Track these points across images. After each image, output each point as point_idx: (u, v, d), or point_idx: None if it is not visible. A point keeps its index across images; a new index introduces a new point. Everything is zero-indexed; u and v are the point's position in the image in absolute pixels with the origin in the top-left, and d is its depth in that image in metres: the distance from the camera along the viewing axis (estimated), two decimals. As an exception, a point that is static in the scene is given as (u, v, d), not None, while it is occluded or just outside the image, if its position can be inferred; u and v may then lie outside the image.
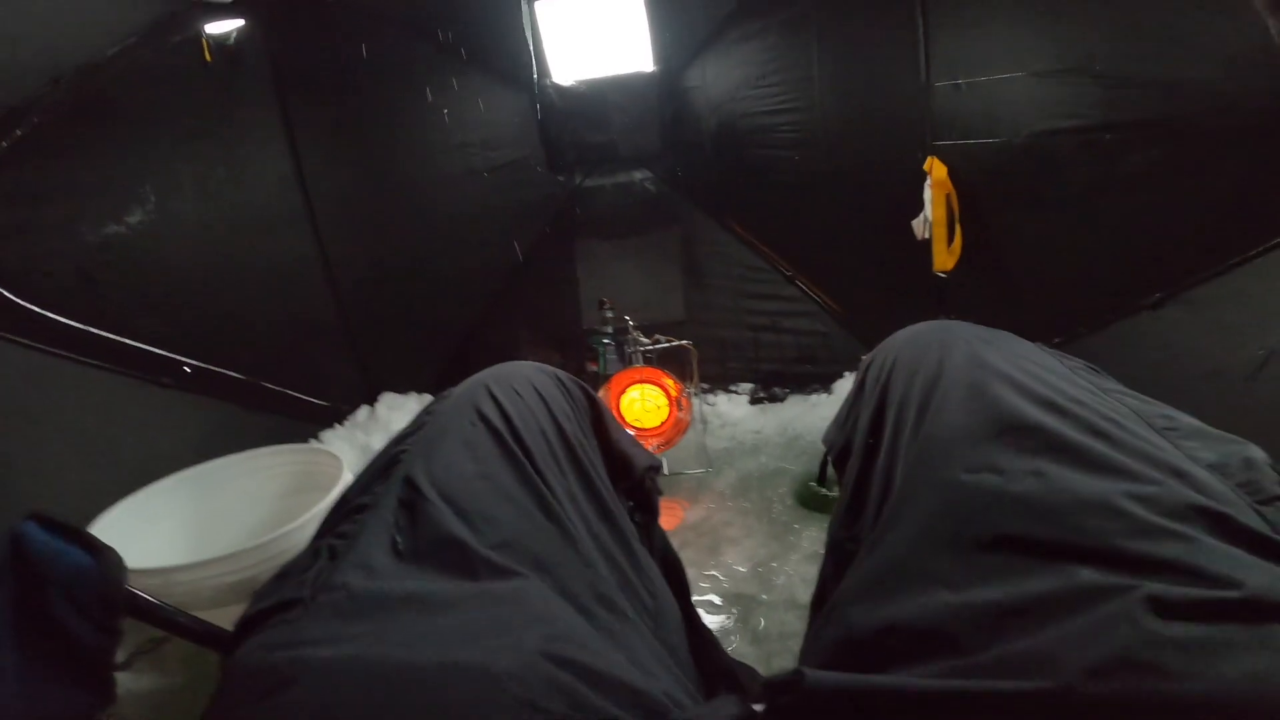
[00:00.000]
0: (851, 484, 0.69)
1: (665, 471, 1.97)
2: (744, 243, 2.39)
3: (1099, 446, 0.52)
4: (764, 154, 2.27)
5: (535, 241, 2.49)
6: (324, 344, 2.26)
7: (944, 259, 1.96)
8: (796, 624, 1.37)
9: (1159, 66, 1.59)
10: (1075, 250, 1.84)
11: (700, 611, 1.44)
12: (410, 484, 0.61)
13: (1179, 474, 0.49)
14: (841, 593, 0.57)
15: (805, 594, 1.44)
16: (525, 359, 0.88)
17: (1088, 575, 0.42)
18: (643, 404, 1.99)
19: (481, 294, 2.54)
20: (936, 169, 1.89)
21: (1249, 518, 0.44)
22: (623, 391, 2.00)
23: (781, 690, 0.43)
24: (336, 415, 2.23)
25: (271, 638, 0.48)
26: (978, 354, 0.65)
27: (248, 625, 0.51)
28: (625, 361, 2.10)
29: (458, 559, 0.55)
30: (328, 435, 2.13)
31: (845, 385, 2.26)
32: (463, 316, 2.52)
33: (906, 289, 2.11)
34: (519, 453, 0.67)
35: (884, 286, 2.21)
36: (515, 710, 0.42)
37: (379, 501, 0.61)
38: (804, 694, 0.42)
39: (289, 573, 0.55)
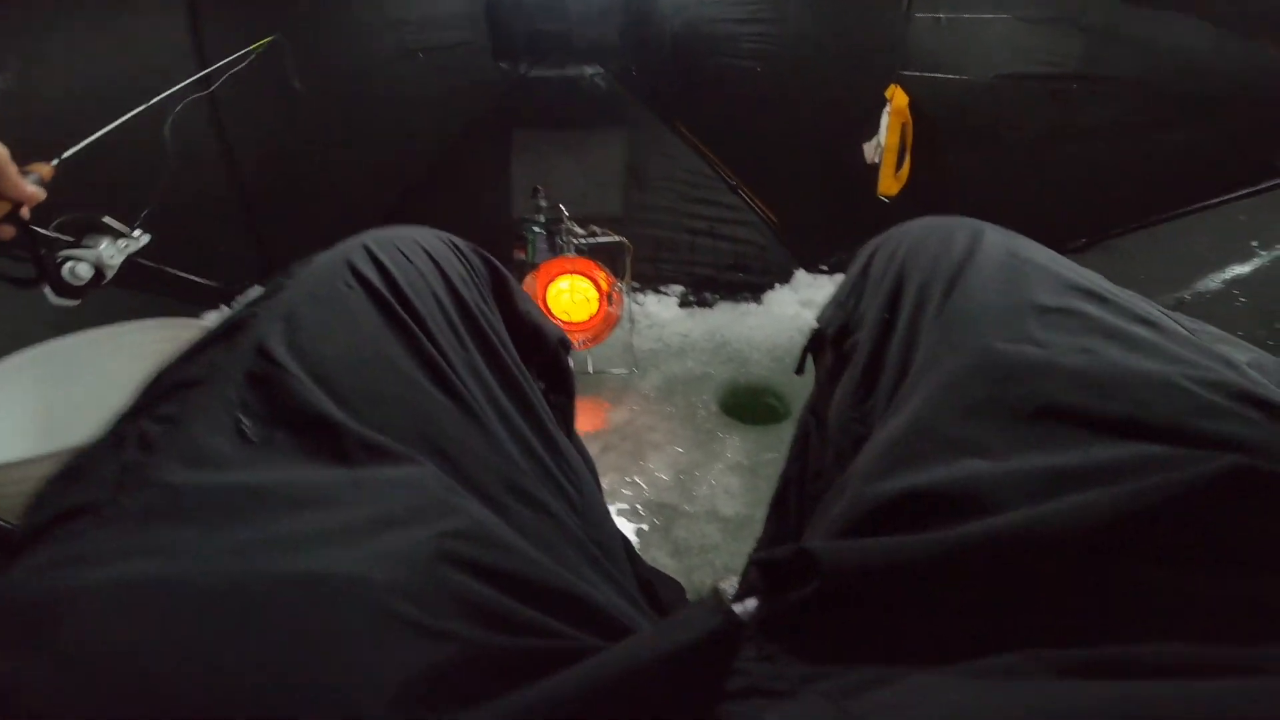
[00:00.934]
0: (864, 360, 0.61)
1: (590, 370, 1.90)
2: (690, 148, 2.29)
3: (1147, 334, 0.46)
4: (725, 62, 2.17)
5: (469, 128, 2.31)
6: (217, 222, 2.06)
7: (889, 184, 1.99)
8: (717, 536, 1.35)
9: (1148, 26, 1.65)
10: (1017, 192, 1.95)
11: (621, 520, 1.43)
12: (264, 354, 0.46)
13: (1230, 364, 0.44)
14: (852, 471, 0.49)
15: (728, 506, 1.42)
16: None
17: (1159, 449, 0.36)
18: (572, 296, 1.89)
19: (405, 178, 2.34)
20: (898, 97, 1.90)
21: None
22: (551, 280, 1.89)
23: (787, 575, 0.34)
24: (226, 296, 2.06)
25: (46, 556, 0.34)
26: (1009, 244, 0.59)
27: (27, 543, 0.36)
28: (556, 252, 1.98)
29: (327, 443, 0.42)
30: (214, 317, 1.94)
31: (776, 296, 2.24)
32: (380, 200, 2.32)
33: (847, 210, 2.15)
34: (407, 319, 0.54)
35: (825, 205, 2.23)
36: (407, 639, 0.31)
37: (216, 375, 0.45)
38: (827, 577, 0.33)
39: (79, 470, 0.41)
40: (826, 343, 0.72)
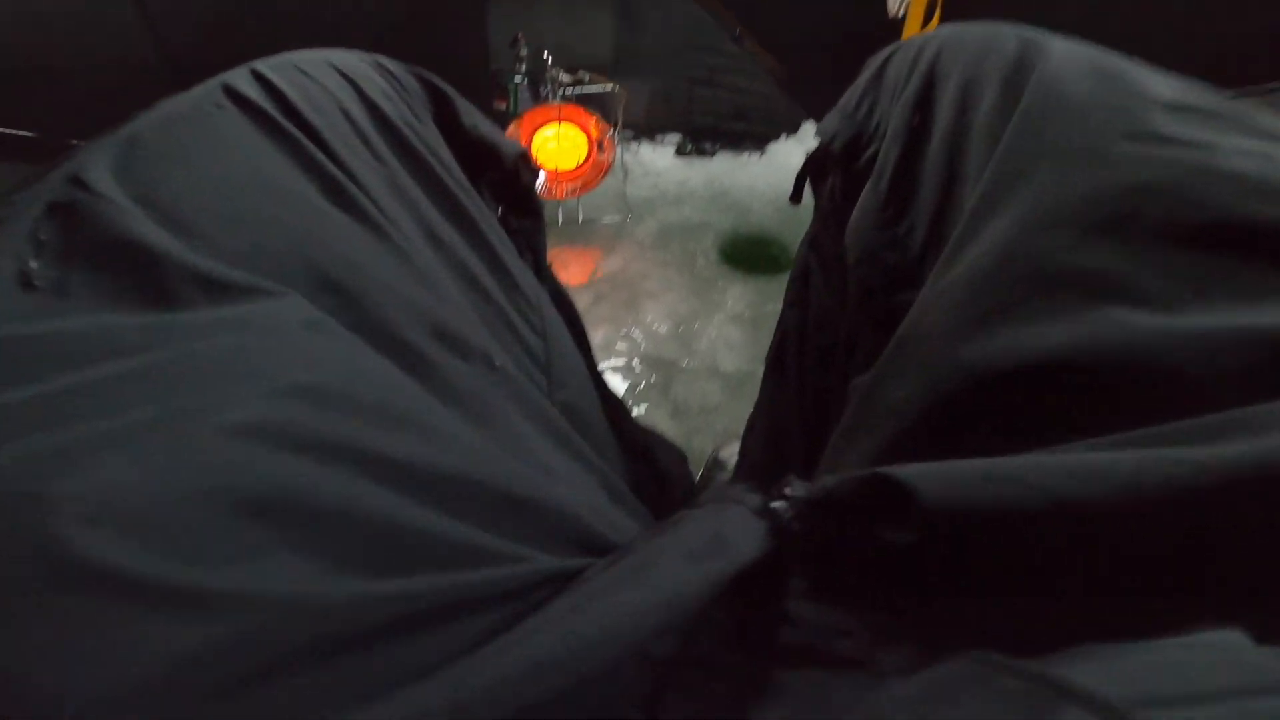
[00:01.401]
0: (889, 175, 0.47)
1: (580, 219, 1.77)
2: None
3: None
4: None
5: None
6: (147, 96, 1.85)
7: None
8: (719, 396, 1.26)
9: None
10: None
11: (616, 379, 1.30)
12: (76, 182, 0.35)
13: None
14: (912, 328, 0.36)
15: (729, 361, 1.32)
16: None
17: None
18: (559, 144, 1.74)
19: (366, 34, 2.13)
20: None
21: None
22: (536, 129, 1.75)
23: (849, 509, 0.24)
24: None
25: None
26: (1080, 47, 0.42)
27: None
28: (541, 101, 1.83)
29: (143, 280, 0.31)
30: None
31: (781, 148, 2.10)
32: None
33: (861, 62, 1.91)
34: (298, 133, 0.41)
35: (839, 58, 1.98)
36: (161, 598, 0.19)
37: (14, 214, 0.35)
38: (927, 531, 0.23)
39: None
40: (831, 161, 0.57)
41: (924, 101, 0.47)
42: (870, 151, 0.52)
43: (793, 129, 2.15)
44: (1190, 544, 0.21)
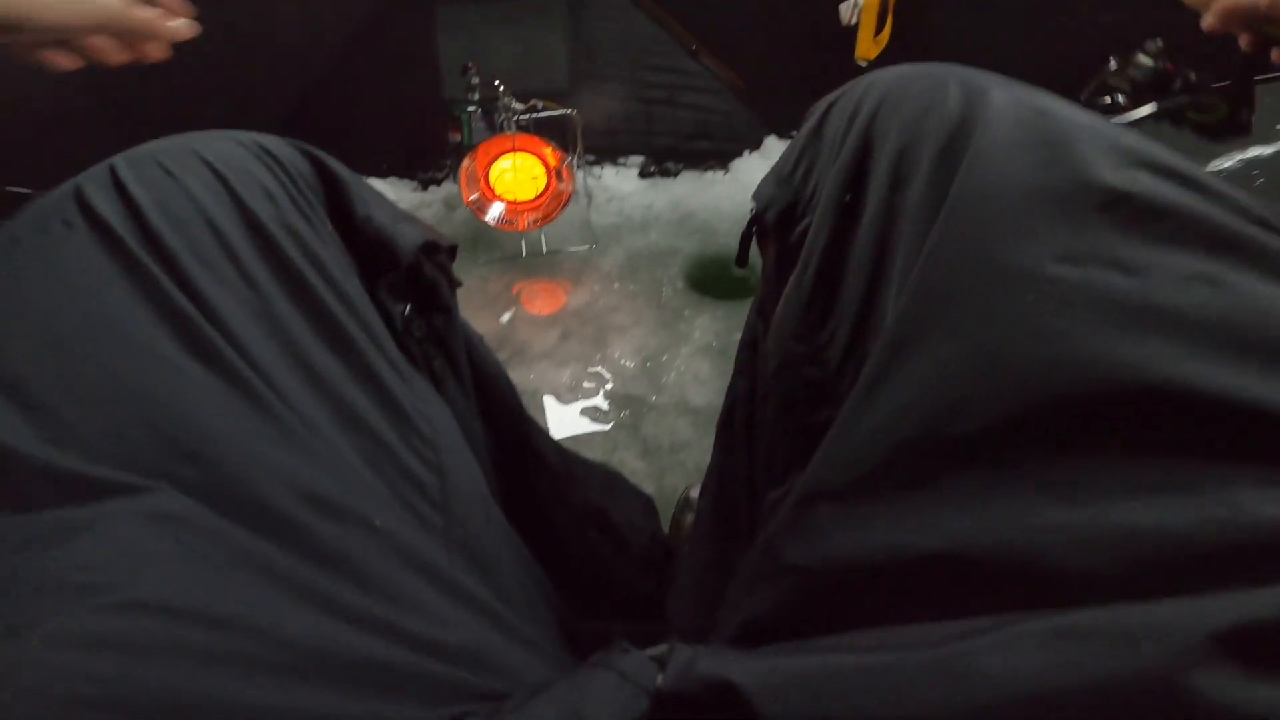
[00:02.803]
0: (816, 261, 0.44)
1: (544, 250, 1.73)
2: (642, 9, 2.04)
3: (1268, 238, 0.29)
4: None
5: (385, 9, 2.04)
6: (62, 135, 1.74)
7: (868, 48, 1.80)
8: (689, 431, 1.23)
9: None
10: (1016, 60, 1.72)
11: (584, 421, 1.29)
12: None
13: None
14: (812, 477, 0.34)
15: (698, 395, 1.30)
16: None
17: None
18: (516, 175, 1.71)
19: (308, 71, 2.07)
20: None
21: None
22: (492, 161, 1.71)
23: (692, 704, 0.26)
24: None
25: None
26: (1030, 99, 0.38)
27: None
28: (496, 130, 1.79)
29: None
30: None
31: (745, 164, 2.07)
32: (283, 94, 2.06)
33: (820, 73, 1.94)
34: (150, 263, 0.37)
35: (796, 69, 2.01)
36: None
37: None
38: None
39: None
40: (766, 231, 0.54)
41: (857, 173, 0.44)
42: (804, 225, 0.49)
43: (755, 144, 2.13)
44: None
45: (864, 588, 0.29)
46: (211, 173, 0.43)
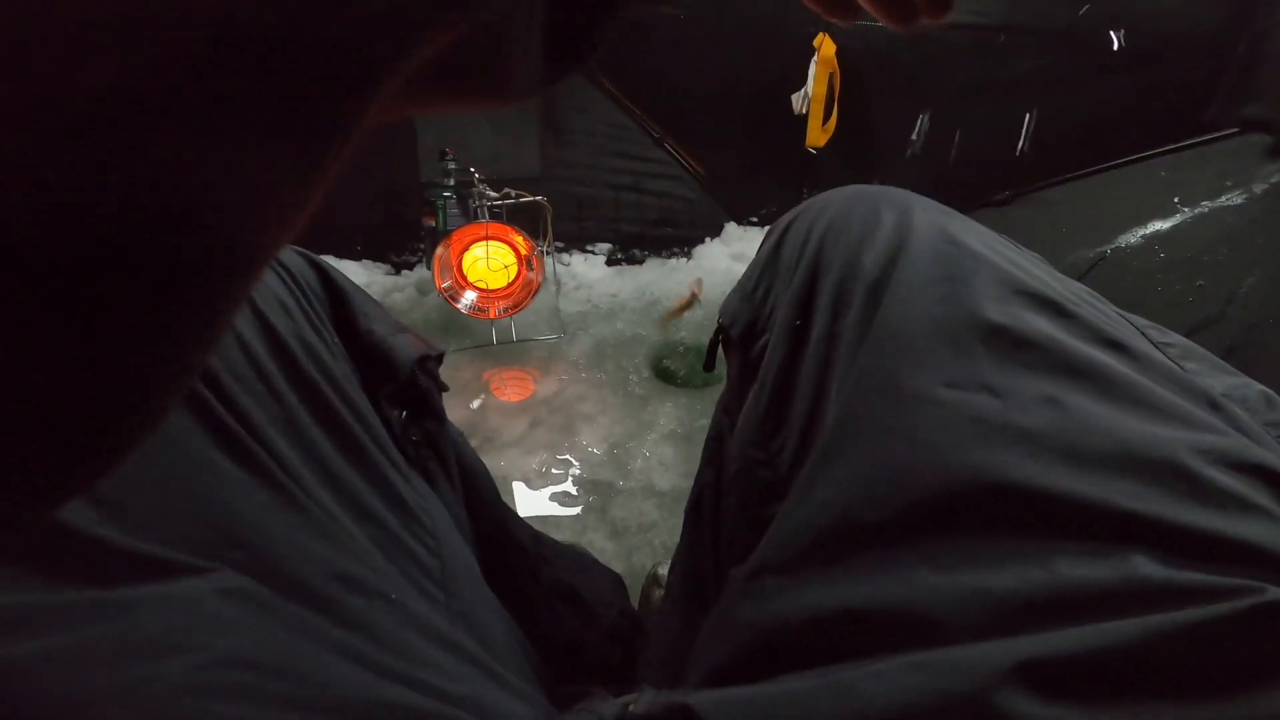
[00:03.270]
0: (770, 381, 0.52)
1: (514, 338, 1.79)
2: (612, 99, 2.15)
3: (1120, 365, 0.38)
4: (646, 7, 2.01)
5: None
6: None
7: (817, 136, 1.97)
8: (655, 513, 1.28)
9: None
10: (943, 143, 1.99)
11: (554, 505, 1.34)
12: None
13: (1214, 405, 0.36)
14: (760, 555, 0.42)
15: (663, 479, 1.35)
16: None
17: (1156, 573, 0.29)
18: (489, 263, 1.77)
19: None
20: (826, 46, 1.87)
21: None
22: (465, 249, 1.77)
23: None
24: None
25: None
26: (944, 227, 0.48)
27: None
28: (470, 216, 1.85)
29: (83, 564, 0.34)
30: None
31: (707, 250, 2.17)
32: None
33: (775, 161, 2.16)
34: (199, 384, 0.43)
35: (753, 156, 2.19)
36: None
37: None
38: None
39: None
40: (730, 344, 0.63)
41: (806, 300, 0.53)
42: (763, 341, 0.57)
43: (716, 231, 2.23)
44: None
45: (797, 639, 0.37)
46: None
